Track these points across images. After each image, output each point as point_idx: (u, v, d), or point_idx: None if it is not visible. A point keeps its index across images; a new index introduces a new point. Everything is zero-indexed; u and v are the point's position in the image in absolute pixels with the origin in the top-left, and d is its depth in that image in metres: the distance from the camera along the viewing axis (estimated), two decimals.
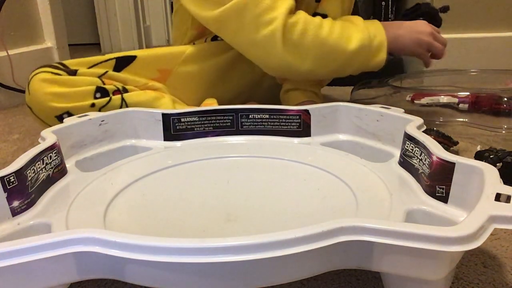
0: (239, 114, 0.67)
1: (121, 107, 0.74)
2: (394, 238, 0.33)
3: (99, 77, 0.76)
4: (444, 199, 0.45)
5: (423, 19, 0.98)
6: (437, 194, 0.46)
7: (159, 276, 0.33)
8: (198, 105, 0.83)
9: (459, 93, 0.97)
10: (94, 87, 0.73)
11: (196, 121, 0.67)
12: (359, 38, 0.75)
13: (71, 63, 0.78)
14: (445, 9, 1.06)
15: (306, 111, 0.66)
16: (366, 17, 1.45)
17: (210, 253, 0.32)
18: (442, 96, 0.98)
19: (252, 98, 0.93)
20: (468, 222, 0.33)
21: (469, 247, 0.32)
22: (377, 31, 0.77)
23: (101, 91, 0.74)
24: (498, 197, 0.37)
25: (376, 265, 0.35)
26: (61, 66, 0.76)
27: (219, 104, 0.81)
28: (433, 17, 1.03)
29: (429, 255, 0.33)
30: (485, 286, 0.42)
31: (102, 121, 0.64)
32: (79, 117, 0.63)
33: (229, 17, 0.74)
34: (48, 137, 0.54)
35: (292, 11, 0.74)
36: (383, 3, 1.44)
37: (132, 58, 0.80)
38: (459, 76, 1.21)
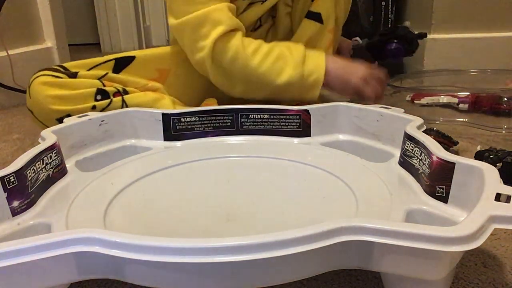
0: (239, 114, 0.67)
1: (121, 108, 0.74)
2: (394, 238, 0.33)
3: (99, 79, 0.76)
4: (444, 199, 0.45)
5: (397, 42, 1.00)
6: (437, 194, 0.46)
7: (159, 276, 0.33)
8: (198, 105, 0.84)
9: (459, 93, 0.97)
10: (94, 89, 0.73)
11: (196, 121, 0.67)
12: (289, 74, 0.75)
13: (71, 65, 0.78)
14: (422, 36, 1.07)
15: (306, 111, 0.66)
16: (366, 17, 1.46)
17: (210, 253, 0.32)
18: (442, 96, 0.98)
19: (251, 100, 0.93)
20: (468, 222, 0.33)
21: (469, 247, 0.32)
22: (315, 68, 0.76)
23: (102, 93, 0.74)
24: (498, 197, 0.37)
25: (376, 265, 0.35)
26: (61, 69, 0.76)
27: (219, 104, 0.81)
28: (410, 41, 1.03)
29: (429, 255, 0.33)
30: (485, 286, 0.42)
31: (102, 121, 0.64)
32: (79, 117, 0.63)
33: (176, 33, 0.79)
34: (48, 137, 0.54)
35: (229, 32, 0.75)
36: (383, 3, 1.44)
37: (131, 58, 0.81)
38: (459, 76, 1.21)
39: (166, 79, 0.83)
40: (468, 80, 1.18)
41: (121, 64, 0.80)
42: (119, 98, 0.74)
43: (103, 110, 0.73)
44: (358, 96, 0.78)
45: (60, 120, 0.71)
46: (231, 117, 0.68)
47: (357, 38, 1.09)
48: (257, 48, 0.75)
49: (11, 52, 1.23)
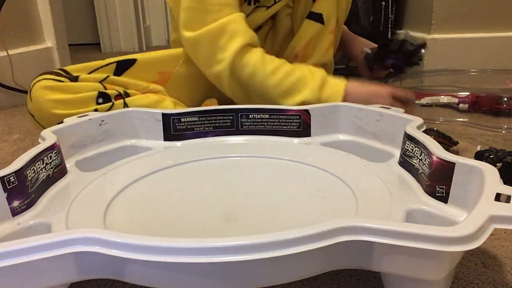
0: (239, 114, 0.67)
1: None
2: (394, 238, 0.33)
3: (101, 82, 0.76)
4: (444, 199, 0.45)
5: (395, 58, 0.97)
6: (437, 194, 0.46)
7: (159, 276, 0.33)
8: (199, 105, 0.84)
9: (459, 93, 0.97)
10: (96, 93, 0.73)
11: (196, 121, 0.67)
12: (305, 95, 0.73)
13: (72, 69, 0.78)
14: (421, 46, 1.03)
15: (306, 111, 0.66)
16: (366, 17, 1.46)
17: (210, 253, 0.32)
18: (442, 96, 0.98)
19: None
20: (468, 222, 0.33)
21: (469, 247, 0.32)
22: (333, 94, 0.74)
23: (103, 96, 0.74)
24: (498, 197, 0.37)
25: (376, 265, 0.35)
26: (62, 73, 0.76)
27: (219, 104, 0.81)
28: (409, 54, 1.00)
29: (429, 255, 0.33)
30: (485, 286, 0.42)
31: (102, 121, 0.64)
32: (79, 117, 0.63)
33: (193, 46, 0.78)
34: (48, 137, 0.54)
35: (248, 46, 0.75)
36: (383, 3, 1.44)
37: (132, 61, 0.81)
38: (459, 76, 1.21)
39: (167, 81, 0.83)
40: (468, 80, 1.18)
41: (122, 67, 0.80)
42: (121, 101, 0.74)
43: None
44: None
45: None
46: (231, 117, 0.68)
47: (365, 48, 1.06)
48: (277, 67, 0.75)
49: (11, 52, 1.23)
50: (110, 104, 0.73)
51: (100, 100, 0.73)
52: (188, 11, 0.76)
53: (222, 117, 0.67)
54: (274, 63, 0.75)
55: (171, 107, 0.77)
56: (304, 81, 0.74)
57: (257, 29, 0.90)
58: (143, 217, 0.47)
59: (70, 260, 0.34)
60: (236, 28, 0.74)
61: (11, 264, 0.33)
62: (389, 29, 1.47)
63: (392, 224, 0.34)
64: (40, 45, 1.39)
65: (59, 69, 0.77)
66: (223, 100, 0.84)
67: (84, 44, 2.59)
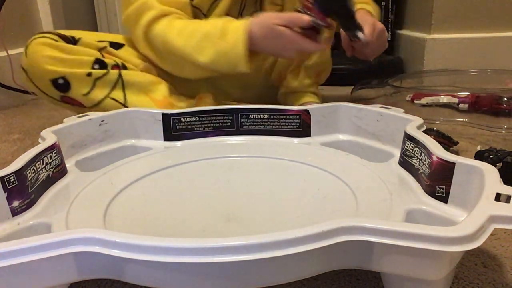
0: (239, 114, 0.67)
1: (116, 82, 0.75)
2: (394, 238, 0.33)
3: (99, 50, 0.77)
4: (444, 199, 0.45)
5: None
6: (437, 194, 0.46)
7: (159, 276, 0.33)
8: (192, 95, 0.83)
9: (459, 93, 0.97)
10: (93, 58, 0.75)
11: (196, 121, 0.67)
12: (211, 52, 0.72)
13: (70, 31, 0.79)
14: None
15: (306, 111, 0.66)
16: None
17: (210, 253, 0.32)
18: (442, 96, 0.98)
19: (245, 98, 0.93)
20: (468, 222, 0.33)
21: (469, 247, 0.32)
22: (236, 42, 0.70)
23: (100, 63, 0.75)
24: (498, 197, 0.37)
25: (376, 265, 0.35)
26: (58, 34, 0.77)
27: (215, 97, 0.81)
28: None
29: (429, 255, 0.33)
30: (485, 286, 0.42)
31: (102, 121, 0.64)
32: (79, 117, 0.63)
33: (125, 26, 0.79)
34: (48, 137, 0.54)
35: (157, 18, 0.75)
36: (383, 3, 1.44)
37: (121, 45, 0.82)
38: (459, 76, 1.21)
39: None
40: (468, 80, 1.18)
41: (115, 46, 0.81)
42: (116, 71, 0.75)
43: (98, 79, 0.73)
44: (301, 50, 0.72)
45: (53, 82, 0.72)
46: (231, 117, 0.68)
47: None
48: (182, 29, 0.74)
49: (11, 52, 1.23)
50: (105, 71, 0.74)
51: (96, 66, 0.74)
52: None
53: (222, 117, 0.67)
54: (179, 26, 0.74)
55: (165, 91, 0.77)
56: (209, 37, 0.72)
57: None
58: (143, 217, 0.47)
59: (70, 260, 0.34)
60: (150, 4, 0.74)
61: (11, 264, 0.33)
62: (389, 29, 1.47)
63: (392, 224, 0.34)
64: None
65: (56, 32, 0.78)
66: (218, 95, 0.83)
67: None
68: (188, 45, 0.73)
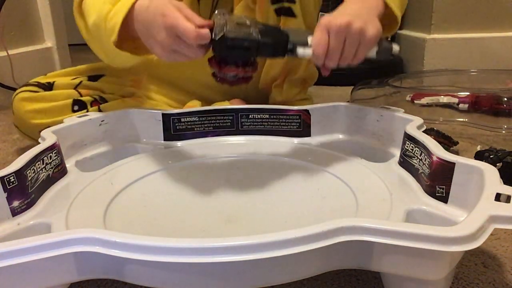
0: (239, 114, 0.67)
1: None
2: (394, 238, 0.33)
3: (75, 88, 0.77)
4: (444, 199, 0.45)
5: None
6: (437, 194, 0.46)
7: (159, 276, 0.33)
8: (182, 105, 0.82)
9: (459, 93, 0.97)
10: (71, 100, 0.74)
11: (196, 121, 0.67)
12: (95, 15, 0.62)
13: (47, 77, 0.79)
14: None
15: (306, 111, 0.66)
16: None
17: (210, 253, 0.32)
18: (442, 96, 0.98)
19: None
20: (468, 222, 0.33)
21: (469, 247, 0.32)
22: (120, 8, 0.58)
23: (79, 104, 0.75)
24: (498, 197, 0.37)
25: (376, 265, 0.35)
26: (38, 82, 0.77)
27: (203, 103, 0.80)
28: None
29: (429, 255, 0.33)
30: (485, 286, 0.42)
31: (102, 121, 0.64)
32: (79, 117, 0.63)
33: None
34: (48, 137, 0.54)
35: None
36: None
37: (101, 76, 0.81)
38: (459, 76, 1.21)
39: (140, 85, 0.83)
40: (468, 80, 1.18)
41: (92, 79, 0.80)
42: (96, 107, 0.75)
43: None
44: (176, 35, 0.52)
45: None
46: (231, 117, 0.68)
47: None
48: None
49: (11, 52, 1.24)
50: (84, 111, 0.74)
51: (76, 107, 0.74)
52: None
53: (222, 117, 0.67)
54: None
55: None
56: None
57: None
58: (143, 217, 0.47)
59: (70, 260, 0.34)
60: None
61: (11, 264, 0.33)
62: None
63: (392, 224, 0.34)
64: (40, 45, 1.39)
65: (35, 81, 0.78)
66: (208, 100, 0.82)
67: (84, 44, 2.57)
68: (91, 5, 0.64)
